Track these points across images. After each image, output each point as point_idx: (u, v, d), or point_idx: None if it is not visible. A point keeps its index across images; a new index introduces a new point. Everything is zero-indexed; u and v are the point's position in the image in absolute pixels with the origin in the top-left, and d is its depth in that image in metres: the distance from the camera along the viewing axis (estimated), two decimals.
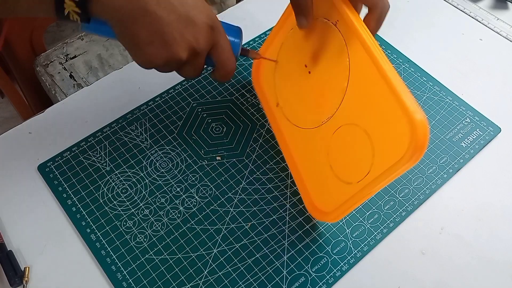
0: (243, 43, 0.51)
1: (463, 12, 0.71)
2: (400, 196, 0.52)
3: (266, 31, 0.66)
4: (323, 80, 0.49)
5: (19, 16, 0.40)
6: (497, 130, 0.58)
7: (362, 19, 0.45)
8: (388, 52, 0.64)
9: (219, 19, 0.45)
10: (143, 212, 0.50)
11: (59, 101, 0.60)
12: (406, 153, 0.37)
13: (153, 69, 0.45)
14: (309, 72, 0.51)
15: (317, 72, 0.50)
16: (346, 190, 0.44)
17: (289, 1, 0.50)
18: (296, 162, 0.52)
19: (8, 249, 0.47)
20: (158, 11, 0.41)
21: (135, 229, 0.49)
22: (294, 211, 0.51)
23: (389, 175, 0.39)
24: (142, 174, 0.53)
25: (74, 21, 0.40)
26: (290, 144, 0.53)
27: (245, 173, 0.53)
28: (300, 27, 0.49)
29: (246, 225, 0.50)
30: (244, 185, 0.52)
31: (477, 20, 0.70)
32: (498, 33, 0.68)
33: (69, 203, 0.50)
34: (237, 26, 0.50)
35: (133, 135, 0.55)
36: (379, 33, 0.66)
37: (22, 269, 0.46)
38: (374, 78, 0.41)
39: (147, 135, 0.55)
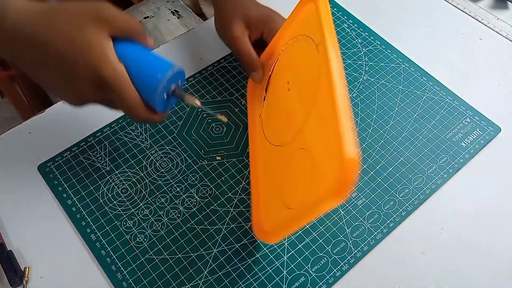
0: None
1: (463, 12, 0.71)
2: (400, 196, 0.52)
3: None
4: (297, 99, 0.47)
5: None
6: (497, 130, 0.58)
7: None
8: (388, 52, 0.64)
9: (119, 70, 0.39)
10: (143, 212, 0.50)
11: (59, 101, 0.60)
12: (329, 192, 0.34)
13: None
14: (289, 90, 0.49)
15: (294, 91, 0.48)
16: (284, 214, 0.41)
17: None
18: (259, 176, 0.51)
19: (8, 249, 0.47)
20: (38, 70, 0.40)
21: (135, 229, 0.49)
22: None
23: (312, 210, 0.36)
24: (142, 174, 0.53)
25: None
26: (259, 157, 0.52)
27: (245, 173, 0.53)
28: (255, 81, 0.56)
29: (246, 225, 0.50)
30: (244, 185, 0.52)
31: (477, 20, 0.70)
32: (498, 33, 0.68)
33: (69, 203, 0.50)
34: (167, 64, 0.42)
35: (133, 135, 0.55)
36: (379, 33, 0.66)
37: (22, 269, 0.46)
38: (330, 109, 0.38)
39: (147, 135, 0.55)
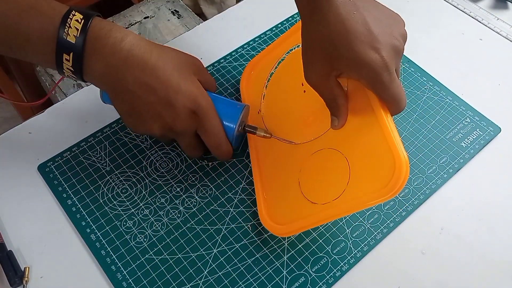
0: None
1: (463, 12, 0.71)
2: (400, 196, 0.52)
3: (266, 31, 0.66)
4: (317, 103, 0.49)
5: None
6: (497, 130, 0.58)
7: None
8: None
9: (210, 102, 0.47)
10: (143, 212, 0.50)
11: (59, 101, 0.60)
12: (385, 187, 0.39)
13: None
14: (304, 91, 0.52)
15: (312, 94, 0.50)
16: (308, 208, 0.46)
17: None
18: (261, 169, 0.53)
19: (8, 249, 0.47)
20: (138, 91, 0.44)
21: (135, 229, 0.49)
22: None
23: (362, 204, 0.41)
24: (142, 174, 0.53)
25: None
26: (260, 151, 0.54)
27: (245, 173, 0.53)
28: (332, 127, 0.47)
29: (246, 225, 0.50)
30: (244, 185, 0.52)
31: (477, 20, 0.70)
32: (498, 33, 0.68)
33: (69, 203, 0.50)
34: (240, 105, 0.51)
35: (133, 135, 0.55)
36: None
37: (22, 269, 0.46)
38: (369, 117, 0.43)
39: (147, 135, 0.55)
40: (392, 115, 0.43)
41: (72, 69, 0.43)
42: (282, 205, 0.49)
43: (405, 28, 0.45)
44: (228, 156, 0.51)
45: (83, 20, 0.42)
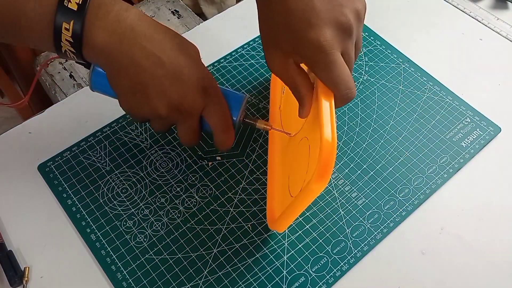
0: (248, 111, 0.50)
1: (463, 12, 0.71)
2: (400, 196, 0.52)
3: None
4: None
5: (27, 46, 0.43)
6: (497, 130, 0.58)
7: None
8: (388, 52, 0.64)
9: (218, 84, 0.45)
10: (143, 212, 0.50)
11: (59, 101, 0.60)
12: (314, 176, 0.35)
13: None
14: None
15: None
16: (288, 202, 0.43)
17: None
18: (275, 168, 0.52)
19: (8, 249, 0.47)
20: (145, 63, 0.40)
21: (135, 229, 0.49)
22: None
23: (303, 196, 0.38)
24: (142, 174, 0.53)
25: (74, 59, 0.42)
26: (276, 148, 0.53)
27: (245, 173, 0.53)
28: (298, 115, 0.45)
29: (246, 225, 0.50)
30: (244, 185, 0.52)
31: (477, 20, 0.70)
32: (498, 33, 0.68)
33: (69, 203, 0.50)
34: (241, 94, 0.48)
35: (133, 135, 0.55)
36: (379, 33, 0.66)
37: (22, 269, 0.46)
38: (317, 104, 0.40)
39: (147, 135, 0.55)
40: (339, 102, 0.39)
41: (71, 39, 0.39)
42: (280, 201, 0.48)
43: (364, 2, 0.41)
44: (230, 143, 0.47)
45: None
